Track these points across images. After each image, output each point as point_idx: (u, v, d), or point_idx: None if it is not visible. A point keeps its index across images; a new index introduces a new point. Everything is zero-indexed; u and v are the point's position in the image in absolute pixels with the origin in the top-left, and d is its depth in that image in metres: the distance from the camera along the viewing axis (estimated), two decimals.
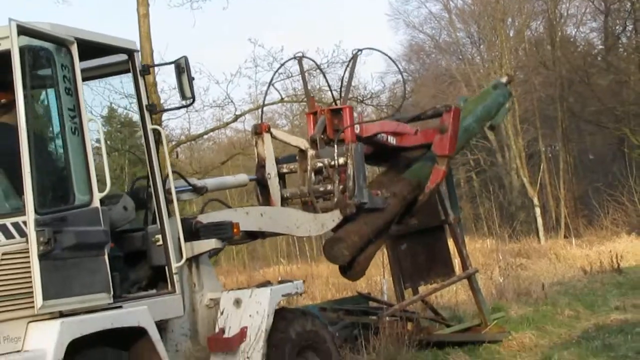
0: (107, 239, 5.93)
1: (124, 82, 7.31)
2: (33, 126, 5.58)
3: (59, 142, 5.87)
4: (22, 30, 5.42)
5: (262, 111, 9.95)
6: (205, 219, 7.31)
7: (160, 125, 8.67)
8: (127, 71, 6.94)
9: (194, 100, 6.90)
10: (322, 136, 8.90)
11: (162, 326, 6.57)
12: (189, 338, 7.01)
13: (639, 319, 12.30)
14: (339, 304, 11.80)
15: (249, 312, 6.94)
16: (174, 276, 6.64)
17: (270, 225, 8.05)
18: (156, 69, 14.71)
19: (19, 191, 5.54)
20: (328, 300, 13.95)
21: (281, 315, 7.29)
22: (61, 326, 5.37)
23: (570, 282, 18.47)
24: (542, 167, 42.17)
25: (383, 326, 10.10)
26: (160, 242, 6.65)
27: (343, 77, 10.03)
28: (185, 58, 6.73)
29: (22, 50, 5.47)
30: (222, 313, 7.01)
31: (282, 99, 21.49)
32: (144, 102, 6.67)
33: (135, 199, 7.05)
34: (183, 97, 6.74)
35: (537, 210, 40.61)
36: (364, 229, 9.42)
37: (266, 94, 10.17)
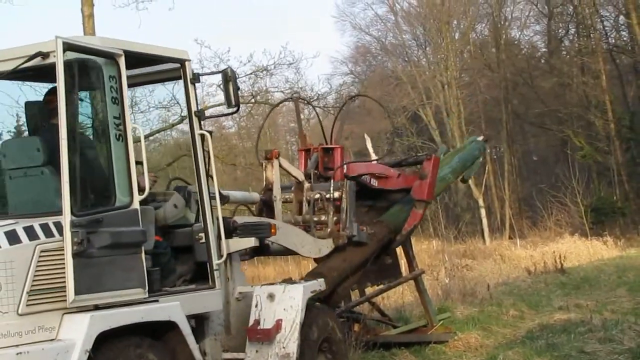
0: (144, 239, 6.30)
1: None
2: (79, 133, 6.06)
3: (103, 147, 6.27)
4: (69, 47, 5.88)
5: (257, 144, 10.95)
6: (239, 220, 7.80)
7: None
8: (176, 78, 7.62)
9: (238, 108, 7.35)
10: (315, 171, 9.75)
11: (204, 317, 7.15)
12: (223, 328, 7.51)
13: (581, 319, 12.44)
14: None
15: (283, 306, 7.46)
16: (215, 272, 7.09)
17: (282, 239, 8.52)
18: None
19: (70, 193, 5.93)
20: None
21: (308, 309, 7.81)
22: (91, 319, 5.78)
23: (515, 283, 18.67)
24: (487, 168, 42.55)
25: None
26: (203, 240, 7.09)
27: (335, 120, 11.36)
28: (231, 68, 7.21)
29: (72, 63, 5.95)
30: (256, 306, 7.51)
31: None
32: (193, 108, 7.08)
33: (186, 197, 7.58)
34: (229, 104, 7.14)
35: (482, 212, 41.00)
36: (343, 266, 9.83)
37: (259, 134, 10.75)
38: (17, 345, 5.52)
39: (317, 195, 9.29)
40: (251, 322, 7.45)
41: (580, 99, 40.89)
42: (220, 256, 7.13)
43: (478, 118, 44.59)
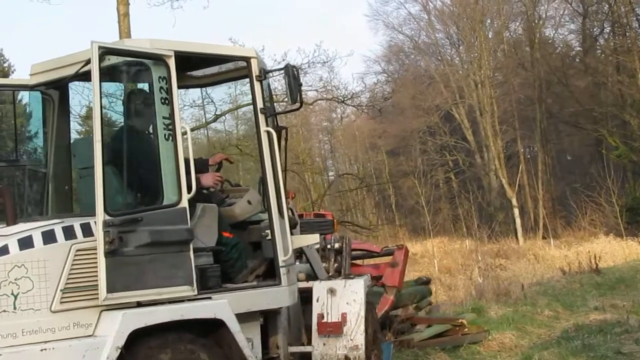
0: (190, 237, 6.31)
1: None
2: (125, 133, 6.19)
3: (152, 147, 6.35)
4: (106, 51, 5.98)
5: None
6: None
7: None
8: (239, 77, 7.96)
9: (301, 105, 7.37)
10: None
11: (274, 312, 7.23)
12: (287, 321, 7.62)
13: (617, 319, 12.34)
14: None
15: (345, 300, 7.70)
16: (281, 269, 7.11)
17: (312, 259, 8.73)
18: None
19: (115, 192, 6.16)
20: None
21: None
22: (123, 316, 5.85)
23: (549, 283, 18.54)
24: (520, 168, 42.37)
25: None
26: (269, 237, 7.13)
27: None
28: (292, 65, 7.23)
29: (120, 65, 6.14)
30: (317, 300, 7.72)
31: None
32: (259, 105, 7.11)
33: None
34: (293, 101, 7.15)
35: (516, 211, 40.82)
36: None
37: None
38: (46, 342, 5.62)
39: (317, 245, 9.41)
40: (315, 316, 7.65)
41: (616, 98, 40.54)
42: (286, 253, 7.19)
43: (512, 117, 44.36)
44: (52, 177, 7.20)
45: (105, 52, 5.98)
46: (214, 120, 22.96)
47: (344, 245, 9.33)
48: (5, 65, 35.78)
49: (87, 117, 8.18)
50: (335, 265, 9.33)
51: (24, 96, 7.61)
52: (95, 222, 5.86)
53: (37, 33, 69.20)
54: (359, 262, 11.82)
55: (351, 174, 43.75)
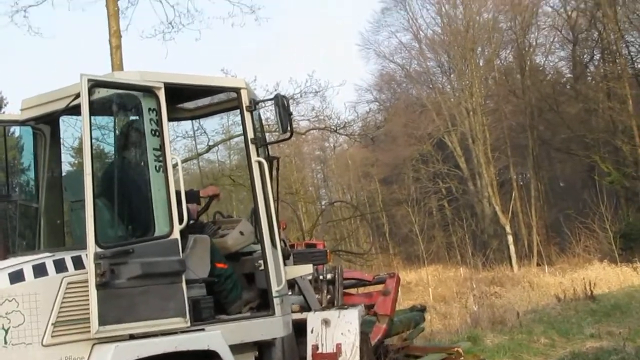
0: (182, 268, 6.30)
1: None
2: (116, 165, 6.25)
3: (142, 179, 6.33)
4: (96, 84, 6.00)
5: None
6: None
7: None
8: (231, 109, 8.01)
9: (292, 134, 7.38)
10: None
11: (268, 344, 7.21)
12: (282, 353, 7.58)
13: (614, 347, 12.29)
14: None
15: (340, 331, 7.71)
16: (275, 299, 7.09)
17: (306, 292, 8.76)
18: None
19: (107, 224, 6.13)
20: None
21: None
22: (115, 349, 5.81)
23: (545, 310, 18.49)
24: (513, 195, 42.42)
25: None
26: (262, 267, 7.12)
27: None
28: (282, 94, 7.26)
29: (110, 98, 6.18)
30: (312, 331, 7.72)
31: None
32: (250, 135, 7.14)
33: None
34: (283, 130, 7.16)
35: (510, 238, 40.81)
36: None
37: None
38: None
39: (310, 277, 9.51)
40: (309, 347, 7.64)
41: (607, 125, 40.70)
42: (279, 283, 7.16)
43: (504, 144, 44.48)
44: (43, 211, 7.16)
45: (94, 84, 6.01)
46: (207, 151, 22.91)
47: (336, 276, 9.36)
48: None
49: (79, 150, 8.18)
50: (328, 296, 9.36)
51: (15, 130, 7.61)
52: (86, 254, 5.82)
53: (29, 66, 69.34)
54: (352, 290, 11.80)
55: (344, 201, 43.71)
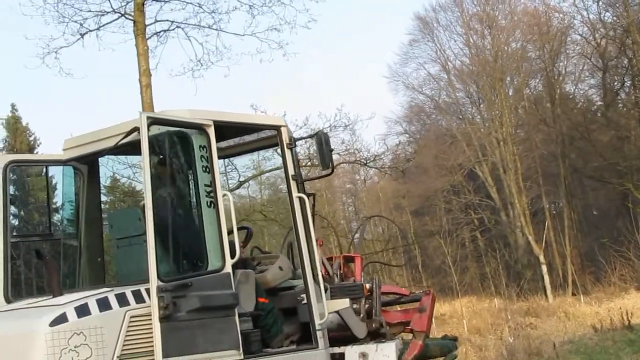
0: (235, 301, 6.46)
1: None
2: (170, 202, 6.45)
3: (195, 214, 6.53)
4: (154, 121, 6.20)
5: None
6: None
7: None
8: (271, 145, 8.11)
9: (333, 170, 7.54)
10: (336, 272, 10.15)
11: None
12: None
13: None
14: None
15: None
16: (317, 332, 7.22)
17: (346, 316, 8.73)
18: None
19: (162, 259, 6.20)
20: None
21: None
22: None
23: (582, 341, 18.32)
24: (546, 224, 42.14)
25: None
26: (305, 301, 7.25)
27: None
28: (323, 131, 7.53)
29: (163, 135, 6.37)
30: None
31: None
32: (290, 172, 7.30)
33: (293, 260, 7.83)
34: (324, 167, 7.35)
35: (544, 268, 40.48)
36: None
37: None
38: None
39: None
40: None
41: (639, 152, 40.39)
42: (322, 316, 7.25)
43: (535, 173, 44.27)
44: (84, 249, 7.31)
45: (152, 122, 6.18)
46: (238, 187, 23.00)
47: (374, 286, 9.42)
48: (32, 138, 36.35)
49: (115, 189, 8.32)
50: (366, 306, 9.38)
51: (54, 170, 7.77)
52: (145, 288, 5.98)
53: (60, 106, 70.27)
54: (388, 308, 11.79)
55: (382, 216, 43.44)
